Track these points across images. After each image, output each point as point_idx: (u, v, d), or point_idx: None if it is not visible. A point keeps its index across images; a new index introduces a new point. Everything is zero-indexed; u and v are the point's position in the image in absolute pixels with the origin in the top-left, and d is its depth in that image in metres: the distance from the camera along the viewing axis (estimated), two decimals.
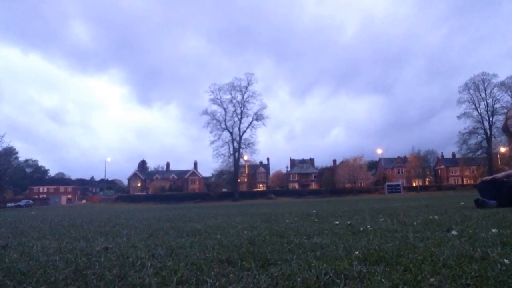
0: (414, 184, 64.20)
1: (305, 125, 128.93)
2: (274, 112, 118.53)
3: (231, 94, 56.41)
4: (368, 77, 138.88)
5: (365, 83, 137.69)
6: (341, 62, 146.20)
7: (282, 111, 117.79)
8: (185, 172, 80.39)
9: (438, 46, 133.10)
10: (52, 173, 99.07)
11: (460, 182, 66.69)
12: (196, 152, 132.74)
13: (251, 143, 55.88)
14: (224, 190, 60.24)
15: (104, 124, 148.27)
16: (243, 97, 56.25)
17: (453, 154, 69.47)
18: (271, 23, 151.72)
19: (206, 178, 75.94)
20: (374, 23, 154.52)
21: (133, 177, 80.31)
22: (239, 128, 56.27)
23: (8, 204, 51.87)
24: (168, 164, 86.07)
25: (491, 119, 53.06)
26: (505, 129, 3.64)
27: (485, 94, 53.38)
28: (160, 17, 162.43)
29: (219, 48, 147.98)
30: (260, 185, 75.37)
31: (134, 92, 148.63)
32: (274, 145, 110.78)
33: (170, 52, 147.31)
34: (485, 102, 53.48)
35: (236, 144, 55.92)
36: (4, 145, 54.03)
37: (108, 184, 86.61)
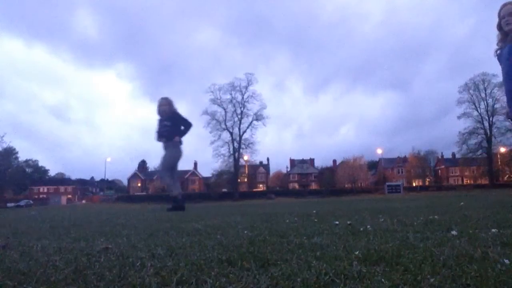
0: (414, 184, 64.14)
1: (314, 123, 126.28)
2: (285, 110, 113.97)
3: (231, 94, 56.48)
4: (387, 71, 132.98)
5: (384, 78, 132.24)
6: (361, 55, 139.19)
7: (293, 108, 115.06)
8: (185, 172, 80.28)
9: (463, 39, 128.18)
10: (52, 173, 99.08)
11: (460, 182, 66.64)
12: (201, 150, 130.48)
13: (251, 143, 55.97)
14: (224, 190, 60.20)
15: (109, 122, 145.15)
16: (243, 97, 56.31)
17: (453, 154, 69.40)
18: (291, 12, 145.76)
19: (206, 178, 75.87)
20: (399, 12, 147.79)
21: (133, 177, 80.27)
22: (239, 128, 56.33)
23: (8, 204, 51.81)
24: None
25: (491, 119, 53.06)
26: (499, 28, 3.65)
27: (485, 94, 53.41)
28: (172, 7, 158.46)
29: (235, 39, 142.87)
30: (260, 185, 75.30)
31: (143, 88, 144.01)
32: (280, 143, 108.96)
33: (183, 45, 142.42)
34: (485, 102, 53.52)
35: (236, 144, 55.97)
36: (4, 145, 54.11)
37: (108, 184, 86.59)
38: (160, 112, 7.12)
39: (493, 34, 3.68)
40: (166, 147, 7.00)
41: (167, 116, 7.06)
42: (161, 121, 7.11)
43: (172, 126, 7.00)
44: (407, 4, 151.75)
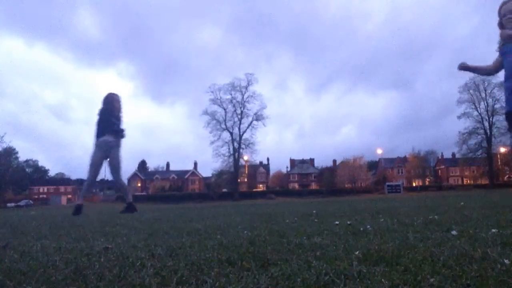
0: (414, 184, 64.15)
1: (315, 123, 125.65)
2: (286, 109, 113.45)
3: (231, 94, 56.52)
4: (389, 71, 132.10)
5: (386, 78, 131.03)
6: (363, 54, 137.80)
7: (294, 108, 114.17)
8: (185, 172, 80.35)
9: (465, 39, 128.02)
10: (52, 173, 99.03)
11: (460, 182, 66.69)
12: (202, 150, 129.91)
13: (251, 143, 56.00)
14: (224, 190, 60.18)
15: None
16: (243, 97, 56.35)
17: (453, 154, 69.44)
18: (294, 11, 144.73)
19: (206, 178, 75.91)
20: (402, 11, 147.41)
21: (133, 177, 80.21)
22: (239, 128, 56.37)
23: (8, 204, 51.84)
24: (168, 164, 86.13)
25: (491, 119, 53.08)
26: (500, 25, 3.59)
27: (485, 94, 53.39)
28: (173, 6, 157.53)
29: (237, 38, 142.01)
30: (260, 185, 75.33)
31: (144, 87, 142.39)
32: (280, 143, 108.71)
33: (184, 44, 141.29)
34: (485, 102, 53.57)
35: (236, 144, 55.98)
36: (4, 145, 54.14)
37: (108, 184, 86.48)
38: (115, 107, 6.86)
39: (495, 35, 3.65)
40: (113, 145, 6.76)
41: (118, 113, 6.86)
42: (112, 115, 6.80)
43: (119, 126, 6.82)
44: (410, 3, 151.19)
